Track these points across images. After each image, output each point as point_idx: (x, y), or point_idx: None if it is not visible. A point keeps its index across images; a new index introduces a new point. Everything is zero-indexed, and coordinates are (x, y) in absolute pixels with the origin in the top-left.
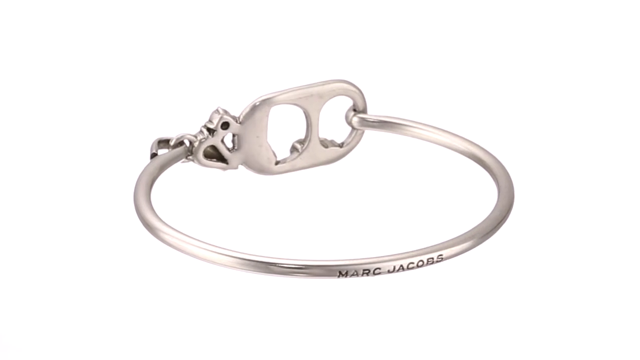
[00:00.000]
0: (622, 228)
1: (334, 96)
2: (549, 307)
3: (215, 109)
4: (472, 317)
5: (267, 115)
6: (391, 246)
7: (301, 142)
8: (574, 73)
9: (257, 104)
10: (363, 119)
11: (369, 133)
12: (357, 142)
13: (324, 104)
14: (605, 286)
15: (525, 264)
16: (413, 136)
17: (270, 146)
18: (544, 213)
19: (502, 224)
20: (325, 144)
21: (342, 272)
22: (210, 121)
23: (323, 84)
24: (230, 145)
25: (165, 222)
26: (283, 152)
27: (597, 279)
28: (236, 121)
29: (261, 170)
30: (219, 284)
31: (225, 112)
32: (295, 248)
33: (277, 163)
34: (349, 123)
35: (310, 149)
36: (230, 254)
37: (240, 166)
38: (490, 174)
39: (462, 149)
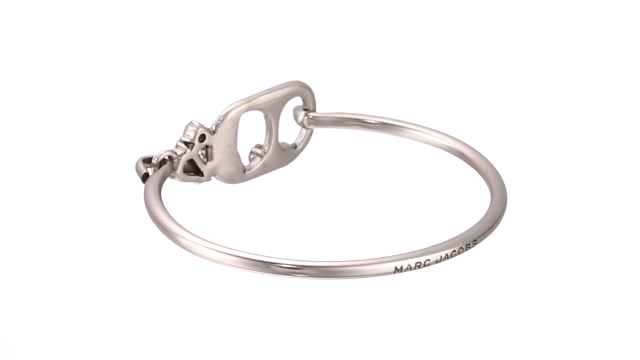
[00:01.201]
0: (618, 226)
1: (291, 98)
2: (548, 303)
3: (189, 122)
4: (470, 317)
5: (238, 124)
6: (390, 245)
7: (260, 147)
8: (563, 72)
9: (230, 113)
10: (314, 118)
11: (361, 133)
12: (308, 141)
13: (283, 106)
14: (600, 281)
15: (520, 262)
16: (405, 136)
17: (239, 154)
18: (535, 208)
19: (505, 210)
20: (282, 146)
21: (397, 267)
22: (186, 135)
23: (282, 87)
24: (202, 157)
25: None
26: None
27: (590, 271)
28: (211, 132)
29: (231, 179)
30: (229, 284)
31: (200, 124)
32: (298, 248)
33: (244, 170)
34: (300, 122)
35: (271, 153)
36: (238, 254)
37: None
38: (478, 172)
39: (450, 148)
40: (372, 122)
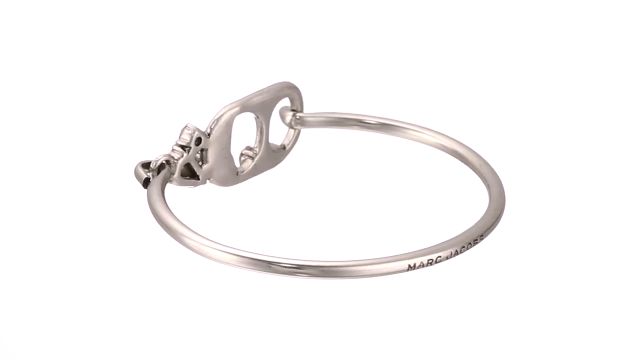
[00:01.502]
0: (616, 226)
1: (282, 98)
2: (553, 294)
3: (184, 125)
4: (476, 316)
5: (232, 126)
6: (391, 244)
7: (251, 149)
8: (557, 73)
9: (224, 115)
10: (301, 118)
11: (360, 133)
12: (296, 142)
13: (274, 107)
14: (600, 271)
15: (523, 255)
16: (403, 137)
17: (232, 157)
18: (531, 204)
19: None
20: (272, 147)
21: (410, 265)
22: (182, 138)
23: (273, 88)
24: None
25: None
26: None
27: (590, 259)
28: (206, 136)
29: (225, 181)
30: (232, 284)
31: (196, 127)
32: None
33: (237, 173)
34: (288, 123)
35: (262, 155)
36: (239, 254)
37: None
38: (473, 169)
39: (443, 146)
40: (372, 122)
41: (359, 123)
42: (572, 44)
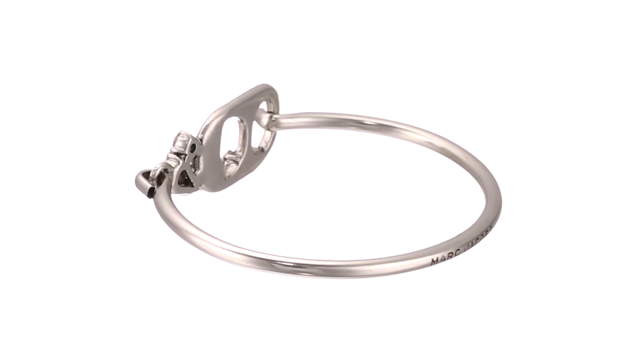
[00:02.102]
0: (614, 225)
1: (263, 101)
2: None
3: (178, 132)
4: (471, 317)
5: (221, 132)
6: (393, 244)
7: (234, 153)
8: (550, 74)
9: (214, 121)
10: (276, 120)
11: (358, 134)
12: (273, 143)
13: (256, 110)
14: (596, 275)
15: (514, 265)
16: (399, 137)
17: (222, 162)
18: (528, 206)
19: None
20: (253, 150)
21: (434, 259)
22: (176, 146)
23: (254, 91)
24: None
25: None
26: None
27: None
28: (200, 142)
29: (215, 187)
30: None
31: (190, 135)
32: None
33: (225, 178)
34: (265, 125)
35: (245, 158)
36: (243, 252)
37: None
38: (466, 168)
39: (433, 145)
40: (369, 123)
41: (357, 124)
42: (560, 41)
